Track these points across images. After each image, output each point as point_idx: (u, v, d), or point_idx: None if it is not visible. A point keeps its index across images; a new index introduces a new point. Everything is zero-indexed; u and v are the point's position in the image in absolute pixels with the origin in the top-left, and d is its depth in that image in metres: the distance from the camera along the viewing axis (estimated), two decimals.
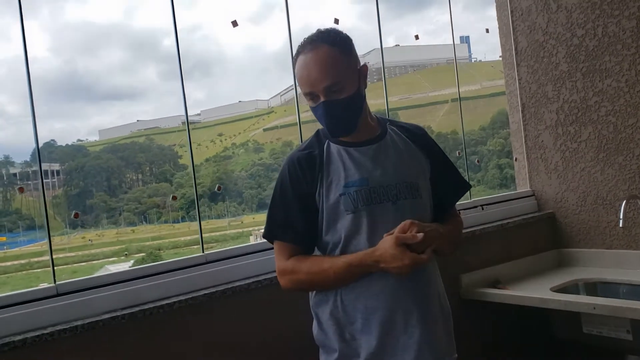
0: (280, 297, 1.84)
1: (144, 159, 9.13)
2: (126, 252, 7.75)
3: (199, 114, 9.46)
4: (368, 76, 1.45)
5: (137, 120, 9.83)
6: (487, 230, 2.61)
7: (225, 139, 9.69)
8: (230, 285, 1.87)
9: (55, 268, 1.66)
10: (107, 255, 7.62)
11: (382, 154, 1.47)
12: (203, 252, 2.02)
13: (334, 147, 1.48)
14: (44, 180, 1.79)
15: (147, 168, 9.19)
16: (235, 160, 9.47)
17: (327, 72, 1.35)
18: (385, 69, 2.74)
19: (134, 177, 9.04)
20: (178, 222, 8.40)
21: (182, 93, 2.02)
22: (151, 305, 1.70)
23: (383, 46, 2.65)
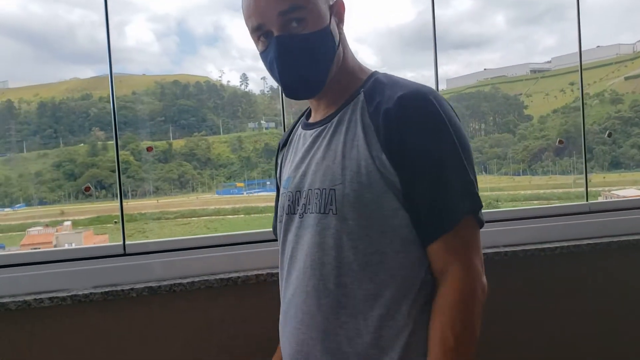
0: None
1: (488, 108, 9.15)
2: None
3: (549, 62, 8.90)
4: None
5: (484, 69, 9.80)
6: None
7: (578, 89, 8.90)
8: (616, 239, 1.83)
9: None
10: None
11: (319, 142, 0.98)
12: (587, 200, 2.05)
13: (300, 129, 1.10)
14: None
15: (491, 118, 9.17)
16: (587, 112, 8.76)
17: None
18: None
19: (477, 127, 9.14)
20: (519, 174, 8.21)
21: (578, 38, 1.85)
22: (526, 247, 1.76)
23: None
